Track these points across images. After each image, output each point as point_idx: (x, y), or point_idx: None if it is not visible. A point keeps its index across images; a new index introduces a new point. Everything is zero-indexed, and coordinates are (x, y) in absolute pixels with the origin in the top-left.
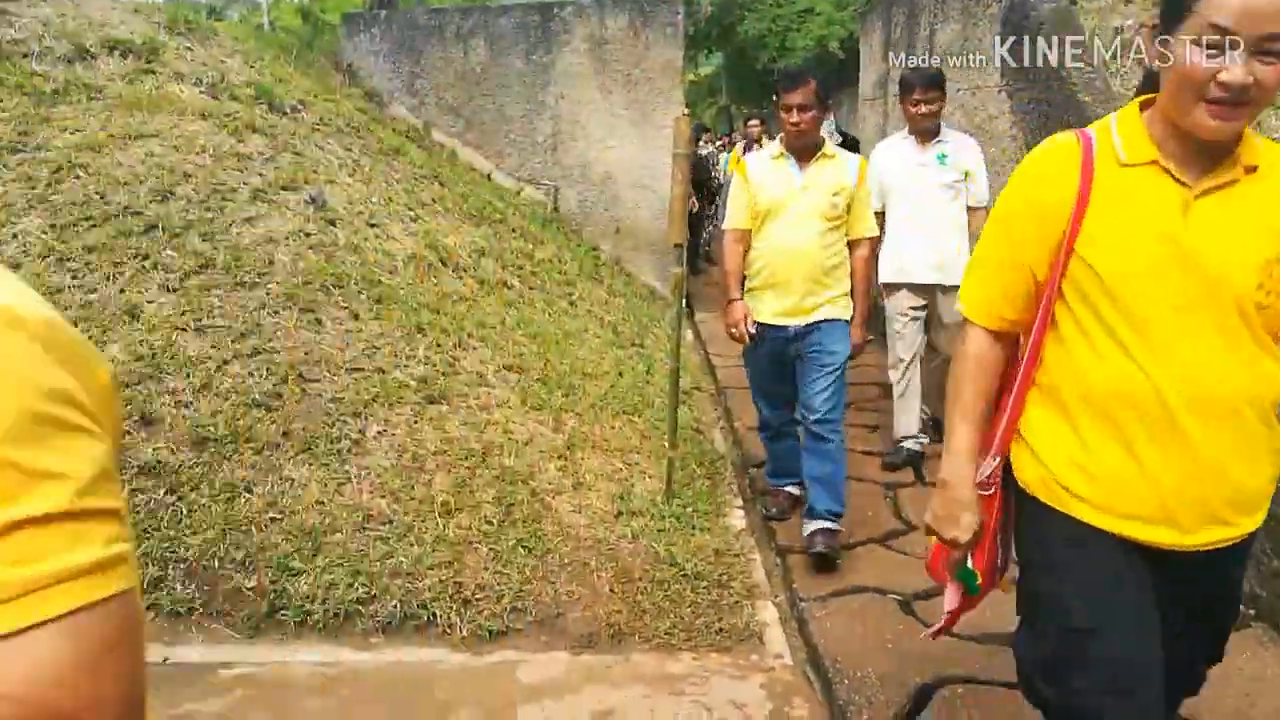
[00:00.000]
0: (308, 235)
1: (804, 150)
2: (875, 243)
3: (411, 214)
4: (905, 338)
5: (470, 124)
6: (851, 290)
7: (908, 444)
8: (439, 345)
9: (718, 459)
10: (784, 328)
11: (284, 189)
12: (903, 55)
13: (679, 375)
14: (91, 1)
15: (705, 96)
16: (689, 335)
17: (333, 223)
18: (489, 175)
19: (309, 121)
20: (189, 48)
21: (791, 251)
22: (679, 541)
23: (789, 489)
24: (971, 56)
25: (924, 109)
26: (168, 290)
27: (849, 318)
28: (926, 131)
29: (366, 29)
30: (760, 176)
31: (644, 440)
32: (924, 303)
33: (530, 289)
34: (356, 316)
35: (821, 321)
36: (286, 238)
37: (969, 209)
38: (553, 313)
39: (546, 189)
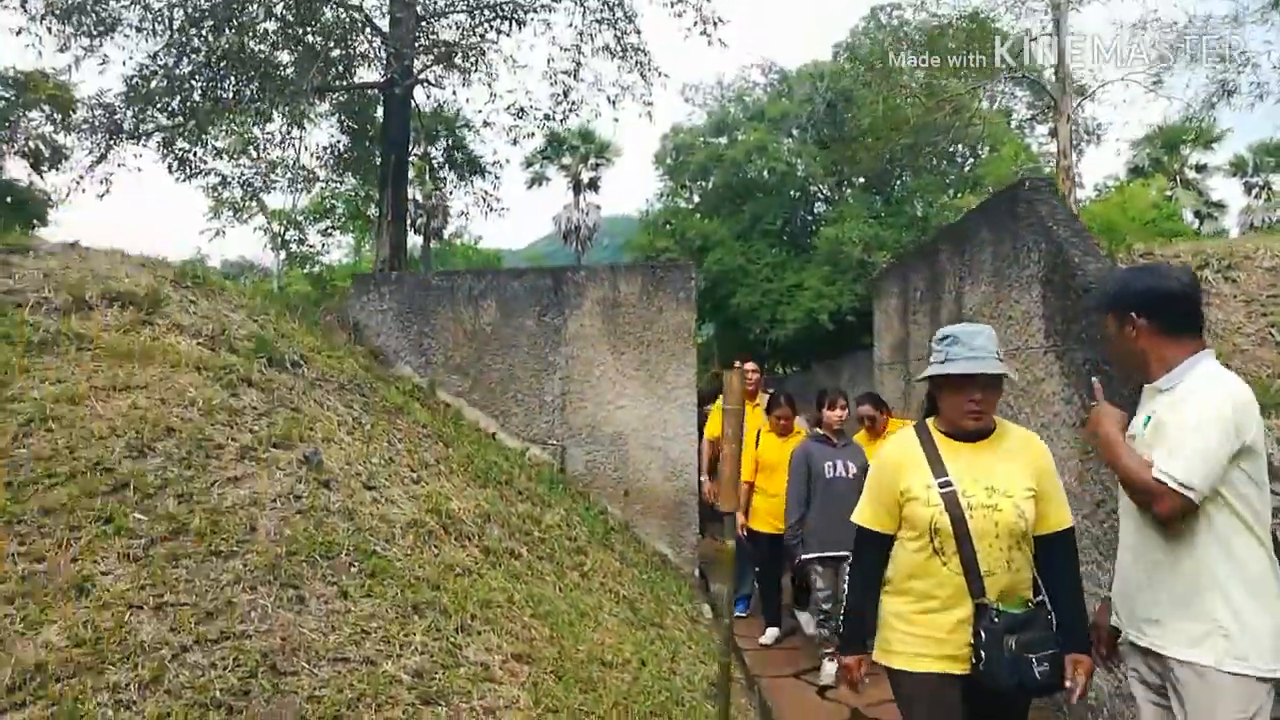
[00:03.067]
0: (297, 498)
1: None
2: None
3: (413, 475)
4: None
5: (477, 383)
6: None
7: None
8: (438, 629)
9: None
10: None
11: (275, 446)
12: (925, 319)
13: None
14: (99, 255)
15: (699, 363)
16: (707, 611)
17: (327, 484)
18: (494, 435)
19: (309, 377)
20: (193, 300)
21: None
22: None
23: None
24: (1008, 319)
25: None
26: (128, 560)
27: None
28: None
29: (376, 289)
30: None
31: None
32: None
33: (539, 558)
34: (345, 594)
35: None
36: (274, 500)
37: None
38: (564, 586)
39: (553, 449)
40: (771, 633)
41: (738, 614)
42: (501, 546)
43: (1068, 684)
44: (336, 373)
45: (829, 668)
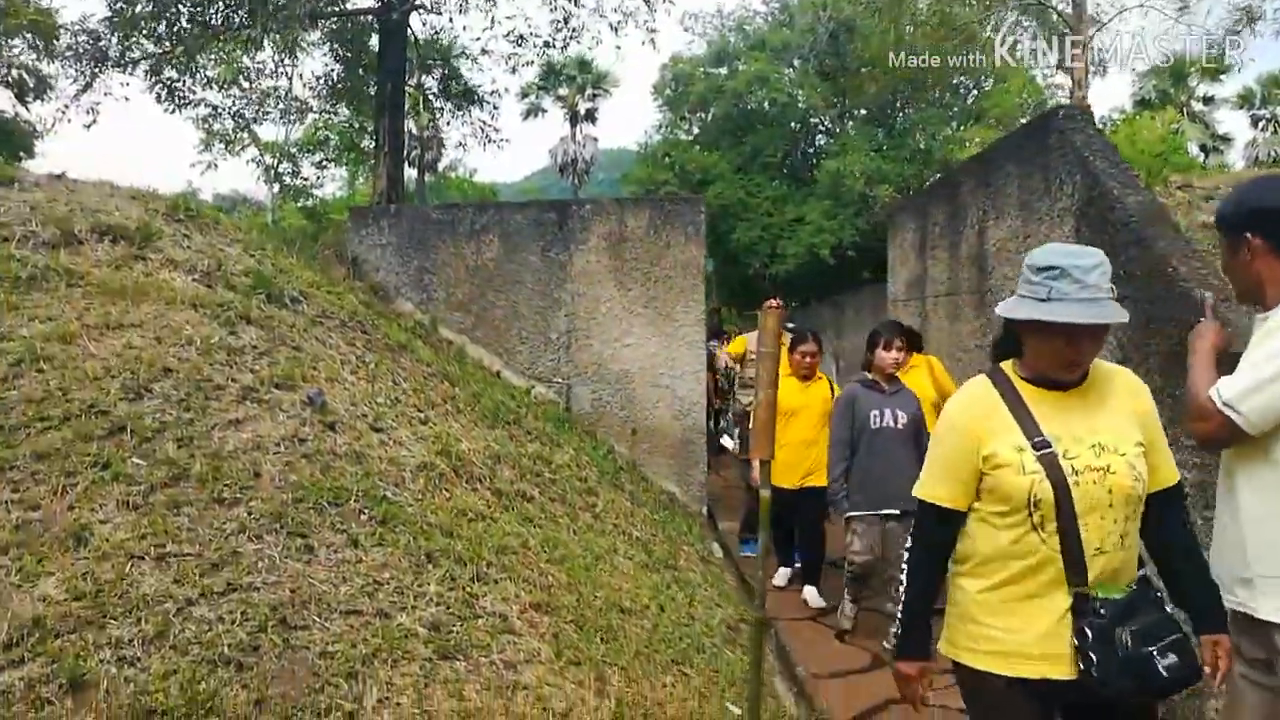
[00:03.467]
0: (302, 441)
1: None
2: None
3: (420, 416)
4: None
5: (480, 320)
6: None
7: None
8: (453, 579)
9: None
10: None
11: (278, 387)
12: (944, 254)
13: None
14: (87, 188)
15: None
16: (717, 550)
17: (332, 427)
18: (498, 373)
19: (310, 314)
20: (186, 235)
21: None
22: None
23: None
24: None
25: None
26: (128, 508)
27: None
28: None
29: (374, 222)
30: None
31: (703, 701)
32: None
33: (551, 500)
34: (356, 543)
35: None
36: (278, 444)
37: None
38: (577, 529)
39: (559, 387)
40: (783, 573)
41: (746, 553)
42: (513, 489)
43: (1206, 670)
44: (337, 309)
45: (848, 608)
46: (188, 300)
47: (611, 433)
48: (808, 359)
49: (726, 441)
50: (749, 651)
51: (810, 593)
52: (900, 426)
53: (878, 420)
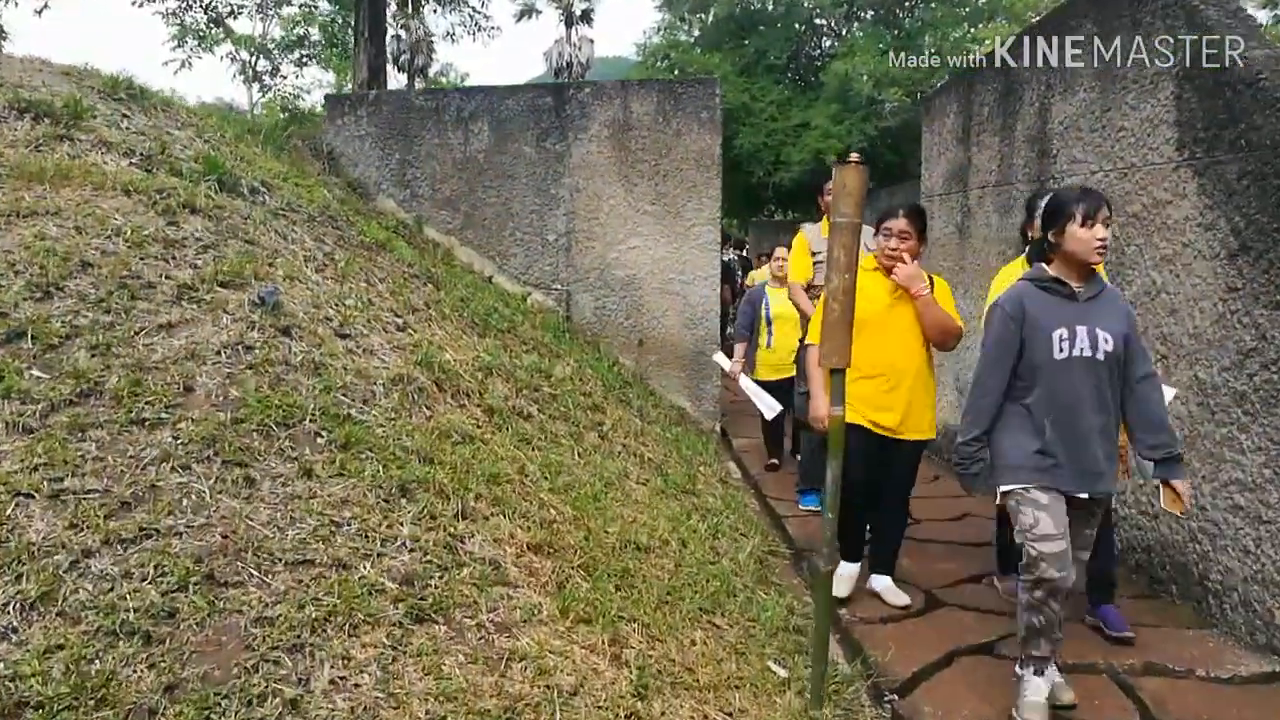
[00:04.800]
0: (248, 349)
1: None
2: None
3: (398, 321)
4: None
5: (469, 219)
6: None
7: None
8: (432, 516)
9: (847, 683)
10: None
11: (223, 285)
12: (992, 139)
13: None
14: (13, 63)
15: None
16: (734, 470)
17: (286, 331)
18: (490, 278)
19: (271, 206)
20: (125, 115)
21: None
22: None
23: None
24: (1118, 130)
25: None
26: (18, 431)
27: None
28: None
29: (352, 110)
30: None
31: (739, 660)
32: None
33: (551, 418)
34: (309, 473)
35: None
36: (217, 352)
37: None
38: (582, 450)
39: (558, 294)
40: (847, 572)
41: (806, 506)
42: (507, 405)
43: None
44: (306, 203)
45: (1037, 684)
46: (119, 185)
47: (616, 344)
48: (906, 239)
49: (720, 359)
50: (784, 592)
51: (884, 584)
52: (1102, 356)
53: (1065, 345)
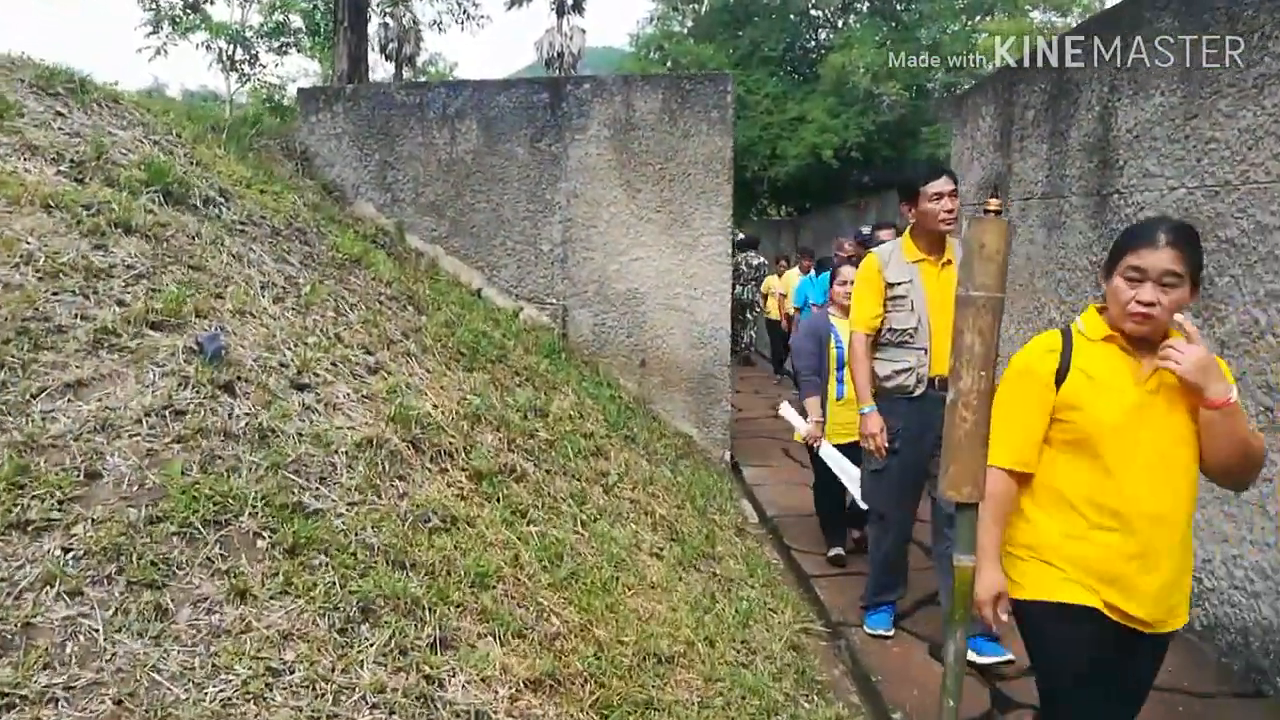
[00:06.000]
0: (178, 415)
1: None
2: None
3: (370, 361)
4: None
5: (456, 226)
6: None
7: None
8: (402, 651)
9: None
10: None
11: (154, 327)
12: (1039, 146)
13: None
14: None
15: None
16: (749, 513)
17: (229, 388)
18: (479, 291)
19: (228, 219)
20: (60, 113)
21: None
22: None
23: None
24: (1207, 142)
25: None
26: None
27: None
28: None
29: (328, 106)
30: None
31: None
32: None
33: (549, 474)
34: (244, 593)
35: None
36: (137, 421)
37: None
38: (586, 517)
39: (553, 309)
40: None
41: (873, 631)
42: (498, 464)
43: None
44: (271, 214)
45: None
46: (39, 200)
47: (616, 364)
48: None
49: (790, 415)
50: (829, 698)
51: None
52: None
53: None
